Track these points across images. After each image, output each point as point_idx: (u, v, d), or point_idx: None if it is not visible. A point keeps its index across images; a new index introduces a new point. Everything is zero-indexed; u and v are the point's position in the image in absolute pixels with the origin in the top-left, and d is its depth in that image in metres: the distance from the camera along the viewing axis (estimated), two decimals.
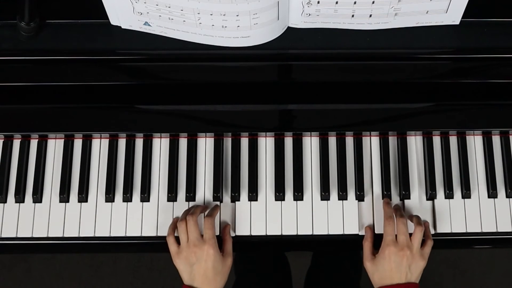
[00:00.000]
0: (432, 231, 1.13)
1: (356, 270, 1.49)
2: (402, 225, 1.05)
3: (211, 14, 0.99)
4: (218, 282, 1.04)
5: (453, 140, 1.18)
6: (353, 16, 1.04)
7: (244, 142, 1.17)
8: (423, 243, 1.06)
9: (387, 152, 1.17)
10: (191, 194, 1.15)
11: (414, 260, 1.03)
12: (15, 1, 1.05)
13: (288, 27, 1.08)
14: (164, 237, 1.09)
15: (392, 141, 1.18)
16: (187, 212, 1.09)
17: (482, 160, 1.17)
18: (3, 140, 1.18)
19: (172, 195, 1.15)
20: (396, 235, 1.05)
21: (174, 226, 1.10)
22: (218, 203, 1.15)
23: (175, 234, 1.09)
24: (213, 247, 1.03)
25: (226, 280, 1.07)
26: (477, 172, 1.16)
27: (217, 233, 1.12)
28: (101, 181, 1.16)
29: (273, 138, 1.17)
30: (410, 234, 1.05)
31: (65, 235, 1.13)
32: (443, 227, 1.14)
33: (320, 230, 1.13)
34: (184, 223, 1.06)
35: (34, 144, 1.17)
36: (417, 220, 1.08)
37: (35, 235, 1.13)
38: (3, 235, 1.13)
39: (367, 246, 1.09)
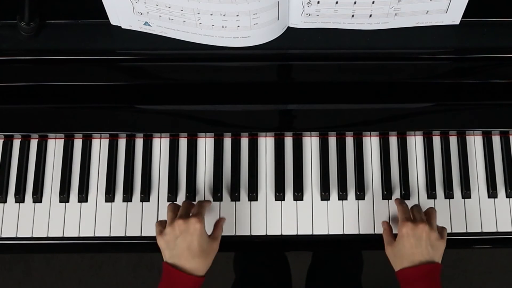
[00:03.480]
0: None
1: (356, 270, 1.49)
2: (416, 207, 1.07)
3: (211, 14, 0.99)
4: (202, 262, 0.98)
5: (453, 140, 1.18)
6: (353, 16, 1.04)
7: (244, 142, 1.17)
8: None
9: (387, 152, 1.17)
10: (191, 194, 1.15)
11: (434, 237, 1.01)
12: (15, 1, 1.05)
13: (288, 27, 1.07)
14: None
15: (392, 141, 1.18)
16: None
17: (482, 160, 1.17)
18: (3, 140, 1.18)
19: (172, 195, 1.15)
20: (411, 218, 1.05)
21: (163, 222, 1.08)
22: (218, 203, 1.15)
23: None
24: (200, 222, 0.99)
25: (209, 266, 1.01)
26: (477, 172, 1.16)
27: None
28: (101, 181, 1.16)
29: (273, 138, 1.17)
30: None
31: (65, 235, 1.13)
32: None
33: (320, 230, 1.13)
34: (174, 204, 1.06)
35: (34, 144, 1.17)
36: (429, 207, 1.09)
37: (35, 235, 1.13)
38: (3, 235, 1.13)
39: (386, 234, 1.08)
